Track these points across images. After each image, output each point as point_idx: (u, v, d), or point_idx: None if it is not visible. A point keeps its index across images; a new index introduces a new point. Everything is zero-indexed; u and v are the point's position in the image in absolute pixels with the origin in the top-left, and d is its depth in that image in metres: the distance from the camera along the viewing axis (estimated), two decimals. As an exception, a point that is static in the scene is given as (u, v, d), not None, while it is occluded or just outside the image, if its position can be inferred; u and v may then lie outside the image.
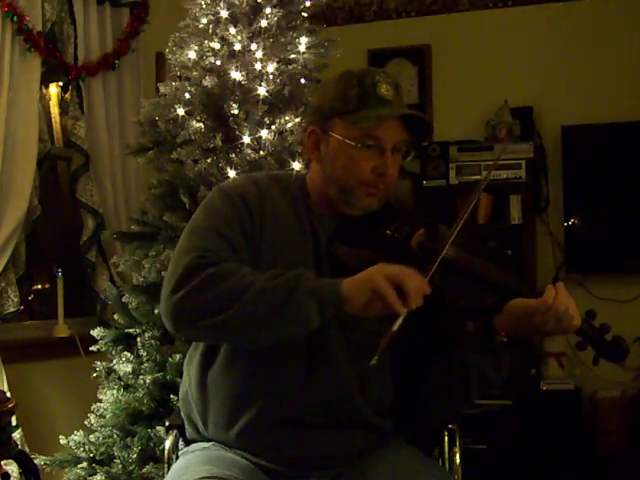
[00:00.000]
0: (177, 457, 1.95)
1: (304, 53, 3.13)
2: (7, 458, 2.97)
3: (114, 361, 3.10)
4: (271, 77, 3.04)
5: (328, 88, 1.84)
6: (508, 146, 4.32)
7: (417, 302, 1.60)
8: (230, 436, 1.81)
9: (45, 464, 3.14)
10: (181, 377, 1.98)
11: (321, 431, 1.77)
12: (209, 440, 1.86)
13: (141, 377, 3.00)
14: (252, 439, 1.79)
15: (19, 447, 3.08)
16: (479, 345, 1.75)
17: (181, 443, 1.98)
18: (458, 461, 1.98)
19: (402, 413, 1.88)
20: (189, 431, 1.93)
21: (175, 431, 1.99)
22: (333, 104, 1.79)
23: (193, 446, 1.89)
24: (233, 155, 3.02)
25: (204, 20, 3.14)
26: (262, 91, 3.02)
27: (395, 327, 1.58)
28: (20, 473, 3.16)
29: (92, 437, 3.06)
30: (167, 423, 2.04)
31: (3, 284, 3.63)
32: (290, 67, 3.09)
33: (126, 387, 3.06)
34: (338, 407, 1.77)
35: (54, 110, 4.20)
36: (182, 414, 1.95)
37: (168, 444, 1.99)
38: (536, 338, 4.52)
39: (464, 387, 1.81)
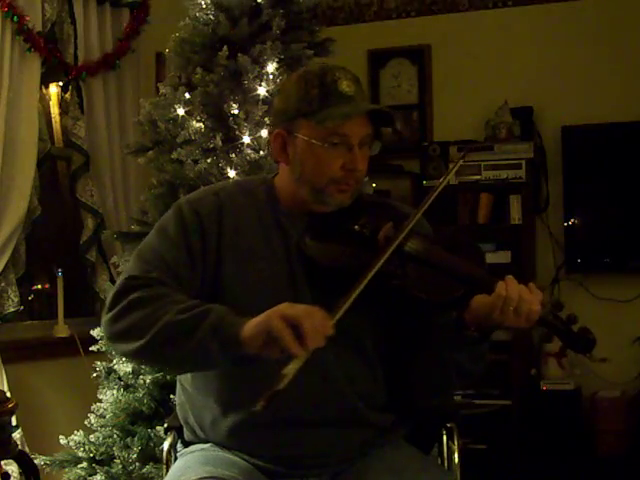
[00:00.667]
0: (176, 458, 1.95)
1: (304, 53, 3.13)
2: (7, 458, 2.97)
3: (114, 361, 3.09)
4: (271, 77, 3.04)
5: (290, 89, 1.82)
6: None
7: (316, 343, 1.54)
8: (225, 437, 1.81)
9: (45, 464, 3.14)
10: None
11: (316, 429, 1.77)
12: (207, 442, 1.86)
13: (141, 377, 3.00)
14: (246, 439, 1.79)
15: (19, 447, 3.08)
16: (452, 340, 1.76)
17: (180, 444, 1.98)
18: (457, 460, 1.98)
19: (396, 404, 1.88)
20: (187, 434, 1.92)
21: (173, 432, 1.99)
22: (296, 105, 1.79)
23: (192, 447, 1.89)
24: (233, 155, 3.02)
25: (204, 20, 3.14)
26: (262, 91, 3.02)
27: (287, 370, 1.51)
28: (20, 473, 3.16)
29: (92, 437, 3.06)
30: (166, 424, 2.04)
31: (3, 284, 3.63)
32: (290, 67, 3.09)
33: (126, 387, 3.06)
34: (330, 404, 1.77)
35: (54, 110, 4.20)
36: (179, 419, 1.95)
37: (166, 445, 1.99)
38: (536, 338, 4.53)
39: (444, 377, 1.83)
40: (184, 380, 1.89)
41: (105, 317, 1.74)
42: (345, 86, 1.78)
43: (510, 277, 1.70)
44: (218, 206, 1.83)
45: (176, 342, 1.64)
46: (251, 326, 1.59)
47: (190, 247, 1.78)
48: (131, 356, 1.79)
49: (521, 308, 1.66)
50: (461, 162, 2.00)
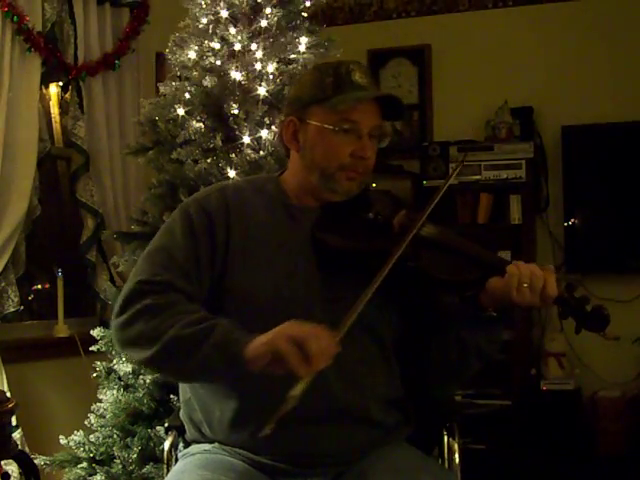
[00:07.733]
0: (176, 458, 1.95)
1: (304, 53, 3.13)
2: (7, 458, 2.97)
3: (114, 361, 3.09)
4: (271, 77, 3.04)
5: (305, 79, 1.90)
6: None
7: (323, 363, 1.54)
8: (235, 436, 1.80)
9: (45, 464, 3.14)
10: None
11: (327, 425, 1.76)
12: (212, 441, 1.85)
13: (141, 377, 3.00)
14: (258, 438, 1.78)
15: (19, 447, 3.08)
16: (470, 321, 1.80)
17: (181, 444, 1.97)
18: (457, 460, 1.98)
19: (405, 401, 1.89)
20: (190, 432, 1.92)
21: (174, 432, 1.99)
22: (310, 93, 1.85)
23: (193, 448, 1.88)
24: (233, 155, 3.02)
25: (204, 20, 3.14)
26: (262, 91, 3.03)
27: (295, 392, 1.51)
28: (20, 473, 3.16)
29: (92, 437, 3.06)
30: (166, 424, 2.04)
31: (3, 284, 3.63)
32: (290, 67, 3.09)
33: (126, 387, 3.06)
34: (344, 403, 1.77)
35: (54, 110, 4.20)
36: (182, 416, 1.94)
37: (167, 445, 1.99)
38: (536, 337, 4.53)
39: (462, 362, 1.86)
40: None
41: (114, 322, 1.75)
42: (358, 77, 1.84)
43: (518, 261, 1.75)
44: (225, 201, 1.85)
45: (181, 357, 1.66)
46: (256, 345, 1.59)
47: (199, 246, 1.80)
48: (141, 365, 1.82)
49: (535, 284, 1.70)
50: (463, 163, 2.08)
